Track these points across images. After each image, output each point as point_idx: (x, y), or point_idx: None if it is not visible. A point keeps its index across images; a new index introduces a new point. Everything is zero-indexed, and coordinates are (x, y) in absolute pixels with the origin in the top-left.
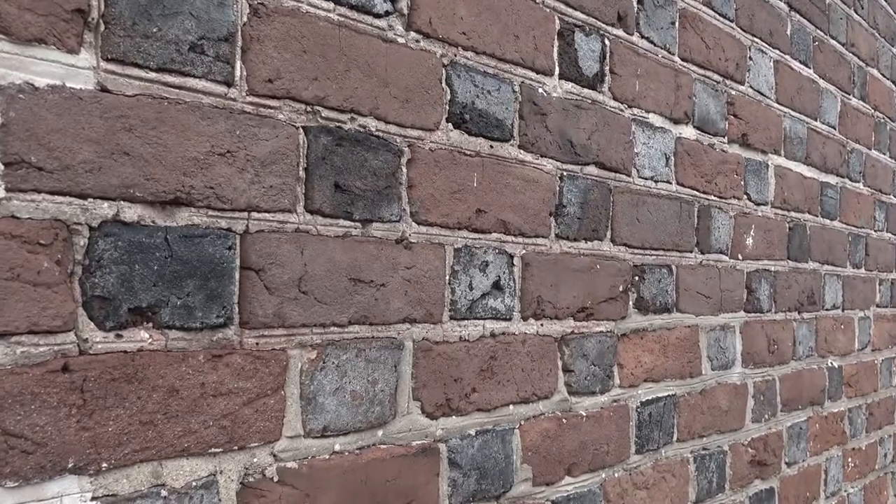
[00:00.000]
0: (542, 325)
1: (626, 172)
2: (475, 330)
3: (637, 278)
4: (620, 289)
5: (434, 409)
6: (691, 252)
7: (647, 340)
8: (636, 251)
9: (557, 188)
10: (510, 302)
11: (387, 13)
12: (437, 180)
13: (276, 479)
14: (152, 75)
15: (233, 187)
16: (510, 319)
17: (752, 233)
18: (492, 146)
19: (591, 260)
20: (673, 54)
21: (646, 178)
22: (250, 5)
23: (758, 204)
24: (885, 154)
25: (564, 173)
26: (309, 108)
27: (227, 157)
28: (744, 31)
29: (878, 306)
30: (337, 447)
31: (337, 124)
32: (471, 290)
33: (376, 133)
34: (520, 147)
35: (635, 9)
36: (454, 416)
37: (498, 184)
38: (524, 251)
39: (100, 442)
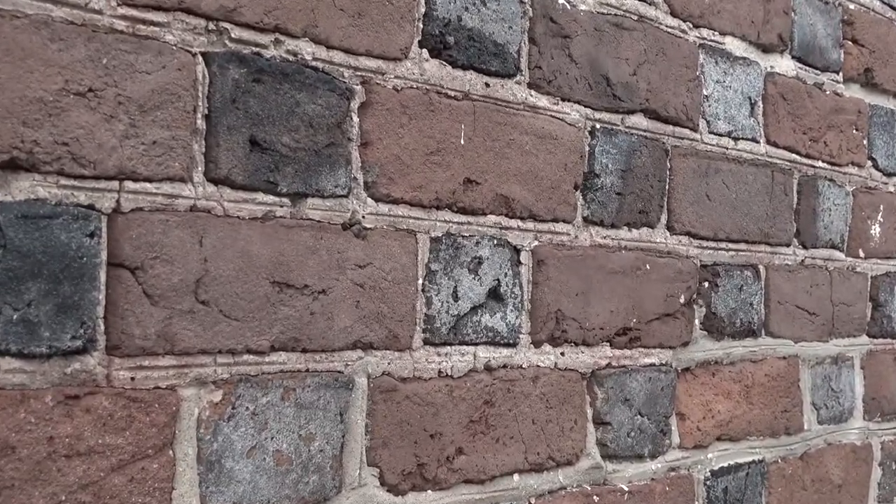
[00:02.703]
0: (562, 353)
1: (690, 126)
2: (462, 361)
3: (707, 285)
4: (682, 300)
5: (399, 480)
6: (788, 246)
7: (721, 378)
8: (706, 244)
9: (587, 148)
10: (515, 319)
11: None
12: (404, 135)
13: None
14: None
15: (97, 144)
16: (515, 345)
17: (879, 217)
18: (488, 84)
19: (637, 256)
20: None
21: (720, 135)
22: None
23: (889, 174)
24: None
25: (597, 126)
26: (213, 26)
27: (89, 98)
28: None
29: None
30: None
31: (254, 50)
32: (456, 301)
33: (314, 63)
34: (530, 86)
35: None
36: (430, 491)
37: (497, 141)
38: (536, 243)
39: None
